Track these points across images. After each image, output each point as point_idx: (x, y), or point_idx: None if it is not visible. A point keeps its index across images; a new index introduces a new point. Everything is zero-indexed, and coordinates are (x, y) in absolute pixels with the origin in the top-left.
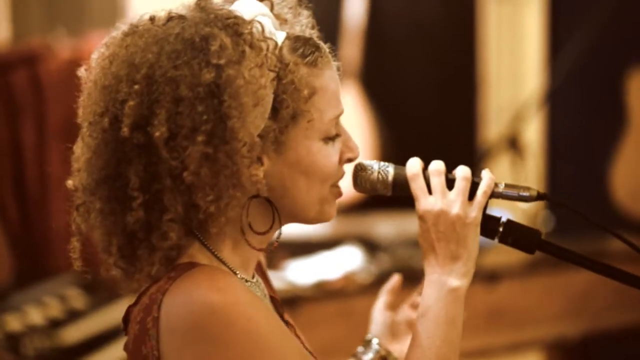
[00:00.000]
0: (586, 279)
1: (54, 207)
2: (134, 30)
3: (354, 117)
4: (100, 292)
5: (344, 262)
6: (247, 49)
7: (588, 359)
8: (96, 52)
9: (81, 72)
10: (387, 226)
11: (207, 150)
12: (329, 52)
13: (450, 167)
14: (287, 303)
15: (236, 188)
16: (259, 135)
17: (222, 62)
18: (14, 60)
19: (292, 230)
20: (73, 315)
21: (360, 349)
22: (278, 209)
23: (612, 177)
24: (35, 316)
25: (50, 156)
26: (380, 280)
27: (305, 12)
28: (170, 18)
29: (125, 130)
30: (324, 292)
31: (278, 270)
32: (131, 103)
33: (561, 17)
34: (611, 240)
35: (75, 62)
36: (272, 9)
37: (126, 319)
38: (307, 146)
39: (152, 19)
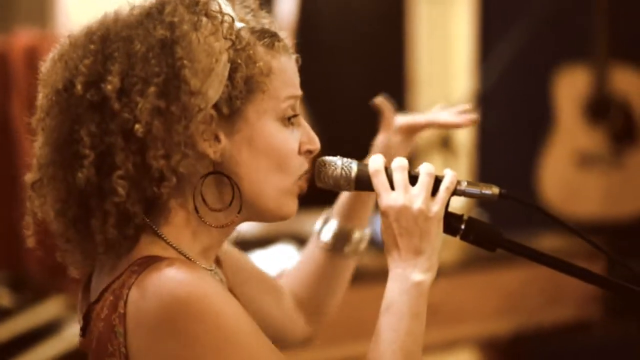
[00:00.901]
0: (519, 277)
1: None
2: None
3: None
4: (27, 291)
5: (280, 260)
6: (203, 17)
7: (520, 356)
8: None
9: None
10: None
11: (159, 103)
12: (288, 42)
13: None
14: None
15: (188, 147)
16: (216, 108)
17: (175, 19)
18: None
19: None
20: (0, 315)
21: (318, 225)
22: (239, 193)
23: (541, 175)
24: None
25: None
26: None
27: (267, 15)
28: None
29: (78, 88)
30: None
31: None
32: (86, 61)
33: (491, 17)
34: (542, 237)
35: (3, 58)
36: (233, 9)
37: (87, 316)
38: (264, 124)
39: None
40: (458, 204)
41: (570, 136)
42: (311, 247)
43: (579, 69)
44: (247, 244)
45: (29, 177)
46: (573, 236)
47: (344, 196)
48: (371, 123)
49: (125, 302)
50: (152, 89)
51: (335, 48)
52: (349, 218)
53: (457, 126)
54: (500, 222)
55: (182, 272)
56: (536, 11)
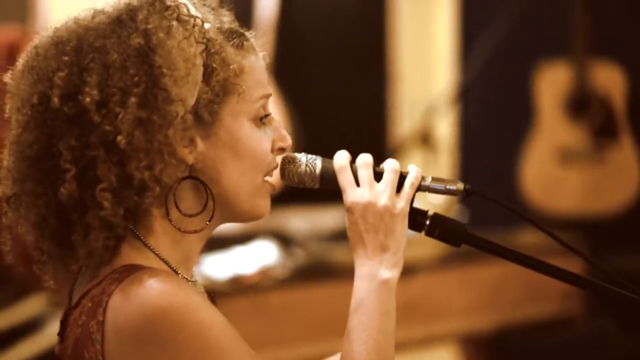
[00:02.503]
0: (499, 272)
1: None
2: (57, 27)
3: None
4: (9, 288)
5: (259, 256)
6: (174, 22)
7: (502, 351)
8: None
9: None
10: (300, 220)
11: (140, 113)
12: (254, 41)
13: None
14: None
15: (170, 155)
16: (192, 112)
17: (150, 26)
18: None
19: None
20: None
21: None
22: (214, 196)
23: (522, 171)
24: None
25: None
26: (295, 274)
27: (227, 13)
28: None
29: (55, 101)
30: (239, 287)
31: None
32: (60, 74)
33: (472, 11)
34: (522, 234)
35: None
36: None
37: (64, 321)
38: (239, 126)
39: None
40: (437, 202)
41: (552, 132)
42: None
43: (560, 65)
44: (227, 240)
45: (2, 191)
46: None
47: None
48: (352, 119)
49: (105, 310)
50: (132, 100)
51: (316, 44)
52: None
53: None
54: (481, 219)
55: (162, 281)
56: (516, 7)
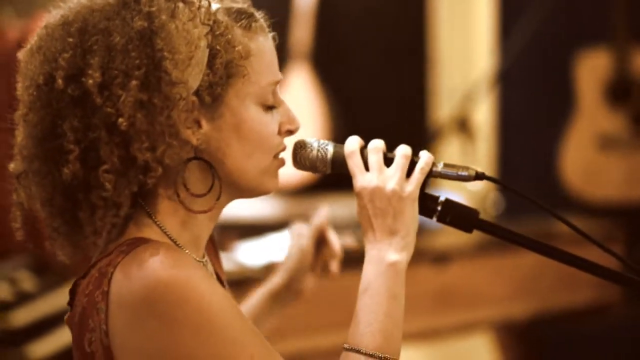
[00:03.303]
0: (535, 260)
1: (2, 189)
2: (66, 6)
3: (306, 98)
4: (50, 275)
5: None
6: (179, 4)
7: (536, 339)
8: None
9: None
10: (337, 207)
11: (141, 96)
12: (264, 22)
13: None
14: (238, 284)
15: (172, 137)
16: (196, 94)
17: (153, 9)
18: None
19: (242, 211)
20: (23, 298)
21: None
22: (221, 176)
23: (562, 158)
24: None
25: None
26: None
27: None
28: None
29: (59, 82)
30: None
31: (228, 252)
32: (65, 55)
33: None
34: (559, 223)
35: (24, 43)
36: None
37: (73, 291)
38: (244, 109)
39: None
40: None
41: (592, 119)
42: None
43: (600, 51)
44: (263, 227)
45: (14, 167)
46: (589, 220)
47: (257, 295)
48: (392, 105)
49: (110, 280)
50: (134, 82)
51: (355, 30)
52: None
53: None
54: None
55: (167, 255)
56: None
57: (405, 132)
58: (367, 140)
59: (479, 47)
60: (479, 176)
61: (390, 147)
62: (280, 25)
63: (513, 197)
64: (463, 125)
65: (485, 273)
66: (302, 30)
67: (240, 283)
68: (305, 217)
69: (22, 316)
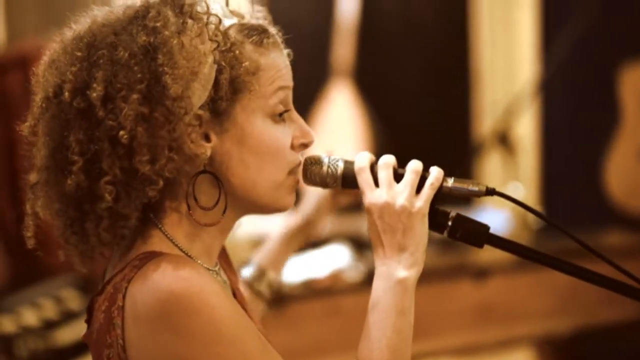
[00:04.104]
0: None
1: None
2: (81, 21)
3: (348, 115)
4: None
5: (332, 260)
6: (188, 20)
7: (578, 354)
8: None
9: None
10: None
11: (142, 109)
12: (279, 38)
13: (445, 163)
14: (275, 301)
15: (174, 150)
16: (204, 108)
17: (158, 24)
18: (8, 62)
19: (279, 228)
20: (68, 317)
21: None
22: (231, 191)
23: (606, 172)
24: (30, 317)
25: None
26: (368, 278)
27: (260, 9)
28: (116, 8)
29: (66, 95)
30: (311, 291)
31: None
32: (72, 69)
33: (554, 10)
34: (606, 235)
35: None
36: (227, 4)
37: (90, 307)
38: (253, 122)
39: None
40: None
41: (636, 132)
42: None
43: None
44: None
45: (31, 178)
46: (633, 233)
47: (270, 242)
48: (436, 120)
49: (124, 295)
50: (134, 96)
51: (398, 46)
52: (268, 261)
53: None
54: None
55: (180, 267)
56: (598, 3)
57: (448, 147)
58: (409, 157)
59: (521, 61)
60: (490, 192)
61: (433, 163)
62: (323, 41)
63: (554, 212)
64: (504, 139)
65: (526, 288)
66: (345, 47)
67: (278, 300)
68: (343, 234)
69: (68, 335)
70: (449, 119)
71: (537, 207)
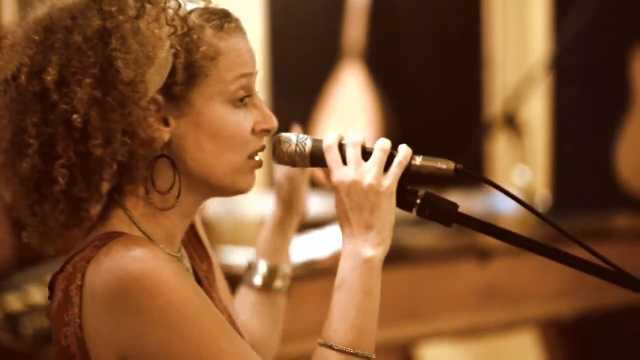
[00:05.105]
0: (582, 256)
1: None
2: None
3: (359, 96)
4: None
5: (334, 240)
6: (146, 4)
7: (583, 337)
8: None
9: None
10: None
11: (96, 93)
12: (240, 23)
13: (457, 145)
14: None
15: (127, 135)
16: (162, 93)
17: (113, 9)
18: None
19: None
20: None
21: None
22: (189, 174)
23: (616, 153)
24: (37, 295)
25: None
26: None
27: None
28: None
29: (22, 79)
30: (313, 271)
31: None
32: (29, 52)
33: None
34: (615, 218)
35: None
36: None
37: (52, 286)
38: (211, 107)
39: None
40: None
41: None
42: (243, 292)
43: None
44: (302, 225)
45: None
46: None
47: (264, 235)
48: (447, 102)
49: (83, 275)
50: (88, 80)
51: (409, 28)
52: (273, 255)
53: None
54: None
55: (138, 248)
56: None
57: (459, 129)
58: (420, 138)
59: (534, 43)
60: (458, 170)
61: (445, 144)
62: (334, 23)
63: (564, 193)
64: (511, 122)
65: (530, 270)
66: (356, 28)
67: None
68: None
69: None
70: (461, 100)
71: (547, 189)
